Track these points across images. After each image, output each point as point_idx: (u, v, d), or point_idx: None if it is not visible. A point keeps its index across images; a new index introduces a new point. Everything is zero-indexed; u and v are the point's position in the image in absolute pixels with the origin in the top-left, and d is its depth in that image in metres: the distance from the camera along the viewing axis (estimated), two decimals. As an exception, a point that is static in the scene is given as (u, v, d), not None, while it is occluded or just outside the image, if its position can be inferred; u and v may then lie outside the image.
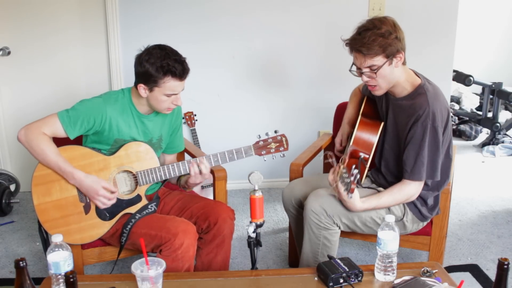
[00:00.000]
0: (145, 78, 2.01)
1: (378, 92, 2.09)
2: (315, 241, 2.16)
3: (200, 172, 2.10)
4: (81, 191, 2.04)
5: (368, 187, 2.23)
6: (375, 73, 1.99)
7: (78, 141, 2.16)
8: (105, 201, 2.04)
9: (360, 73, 2.04)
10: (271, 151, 2.13)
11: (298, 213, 2.36)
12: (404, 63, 2.06)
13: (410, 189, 2.08)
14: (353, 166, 1.90)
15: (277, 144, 2.13)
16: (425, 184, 2.13)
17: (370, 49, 1.94)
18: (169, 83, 2.00)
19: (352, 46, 2.00)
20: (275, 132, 2.14)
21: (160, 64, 1.97)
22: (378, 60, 1.96)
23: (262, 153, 2.13)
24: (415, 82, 2.08)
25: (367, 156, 2.14)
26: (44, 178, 2.04)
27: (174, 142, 2.35)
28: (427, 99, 2.00)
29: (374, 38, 1.93)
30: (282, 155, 2.16)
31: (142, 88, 2.04)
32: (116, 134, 2.10)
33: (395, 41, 1.96)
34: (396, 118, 2.14)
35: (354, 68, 2.06)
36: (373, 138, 2.16)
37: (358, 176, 1.89)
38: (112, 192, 2.05)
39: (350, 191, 1.90)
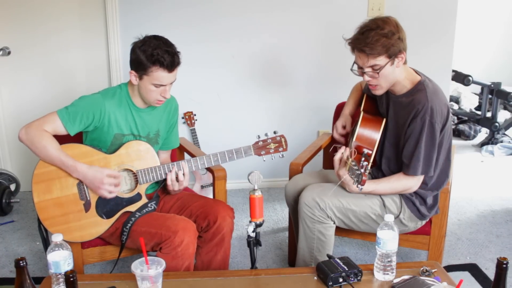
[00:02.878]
0: (136, 65, 2.04)
1: (379, 91, 2.10)
2: (310, 236, 2.18)
3: (177, 179, 2.12)
4: (85, 183, 2.05)
5: None
6: (378, 73, 2.00)
7: (79, 139, 2.16)
8: (112, 189, 2.03)
9: (362, 72, 2.05)
10: (270, 151, 2.15)
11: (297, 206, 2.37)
12: (405, 63, 2.07)
13: (407, 182, 2.10)
14: (362, 159, 1.90)
15: (276, 144, 2.15)
16: (424, 183, 2.14)
17: (373, 49, 1.95)
18: (157, 73, 2.01)
19: (355, 46, 2.01)
20: (274, 132, 2.16)
21: (150, 52, 1.99)
22: (381, 60, 1.97)
23: (262, 153, 2.14)
24: (415, 79, 2.09)
25: (370, 152, 2.14)
26: (44, 176, 2.04)
27: (169, 138, 2.36)
28: (426, 95, 2.01)
29: (378, 38, 1.94)
30: (281, 156, 2.17)
31: (133, 75, 2.06)
32: (115, 128, 2.11)
33: (398, 42, 1.97)
34: (396, 116, 2.14)
35: (355, 67, 2.07)
36: (376, 135, 2.16)
37: (369, 167, 1.90)
38: (116, 178, 2.05)
39: (361, 183, 1.90)
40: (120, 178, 2.07)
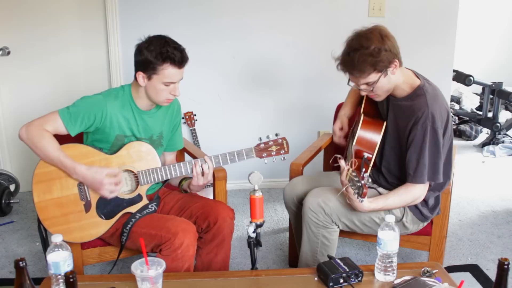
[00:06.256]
0: (144, 66, 2.02)
1: (379, 99, 2.12)
2: (313, 240, 2.17)
3: (203, 173, 2.10)
4: (85, 184, 2.04)
5: (369, 187, 2.23)
6: (372, 88, 2.01)
7: (80, 139, 2.16)
8: (112, 188, 2.01)
9: (358, 88, 2.06)
10: (272, 154, 2.14)
11: (298, 210, 2.36)
12: (400, 65, 2.05)
13: (415, 192, 2.07)
14: (363, 170, 1.88)
15: (278, 147, 2.14)
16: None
17: (362, 70, 1.96)
18: (168, 70, 2.00)
19: (343, 69, 2.02)
20: (276, 135, 2.15)
21: (159, 51, 1.98)
22: (372, 77, 1.98)
23: (263, 155, 2.13)
24: (414, 83, 2.08)
25: (370, 156, 2.13)
26: (45, 176, 2.04)
27: (173, 139, 2.35)
28: (426, 101, 2.00)
29: (364, 58, 1.93)
30: (282, 158, 2.16)
31: (141, 77, 2.04)
32: (116, 130, 2.10)
33: (386, 55, 1.94)
34: (396, 119, 2.13)
35: (352, 83, 2.08)
36: (376, 138, 2.15)
37: (370, 179, 1.87)
38: (115, 176, 2.02)
39: (362, 195, 1.86)
40: (120, 175, 2.05)
